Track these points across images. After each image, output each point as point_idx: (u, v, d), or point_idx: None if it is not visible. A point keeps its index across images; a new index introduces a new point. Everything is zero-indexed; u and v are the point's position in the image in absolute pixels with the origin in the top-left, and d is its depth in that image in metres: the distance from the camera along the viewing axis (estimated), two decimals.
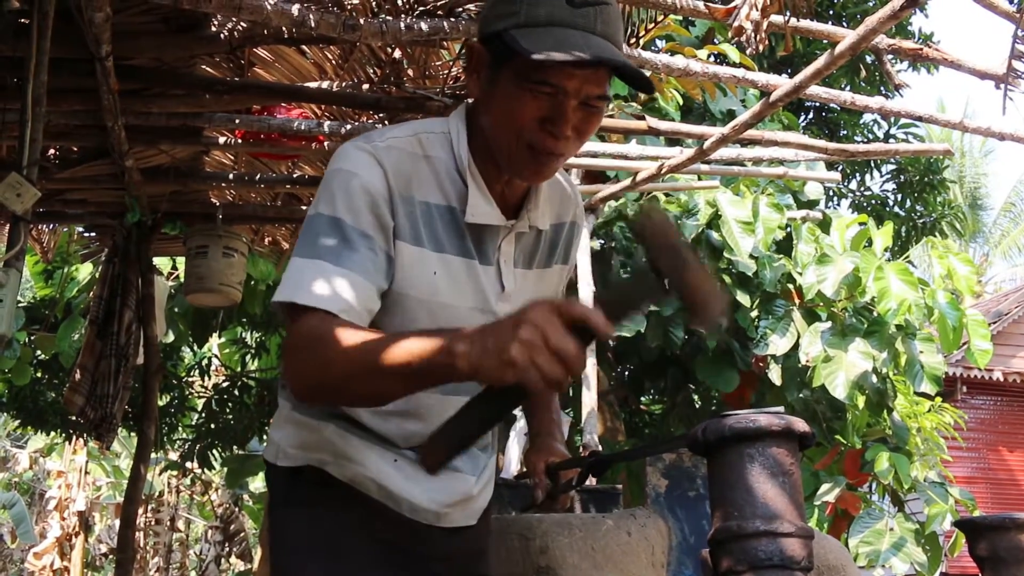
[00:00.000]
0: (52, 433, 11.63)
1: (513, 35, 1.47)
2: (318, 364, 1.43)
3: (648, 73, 5.28)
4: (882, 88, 10.69)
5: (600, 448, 5.83)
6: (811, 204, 7.82)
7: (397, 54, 4.13)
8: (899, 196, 12.00)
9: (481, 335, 1.25)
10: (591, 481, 5.46)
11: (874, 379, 6.51)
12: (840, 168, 10.11)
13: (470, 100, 1.69)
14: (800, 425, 1.56)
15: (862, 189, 12.26)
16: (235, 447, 10.69)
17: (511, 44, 1.46)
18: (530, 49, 1.42)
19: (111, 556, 14.75)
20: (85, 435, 10.17)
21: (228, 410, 10.44)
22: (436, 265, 1.58)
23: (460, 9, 3.59)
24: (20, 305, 8.64)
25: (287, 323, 1.51)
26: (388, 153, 1.57)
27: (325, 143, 4.51)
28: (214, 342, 10.92)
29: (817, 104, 10.77)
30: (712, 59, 6.02)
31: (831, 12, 10.65)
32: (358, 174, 1.54)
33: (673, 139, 5.58)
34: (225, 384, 10.77)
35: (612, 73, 1.51)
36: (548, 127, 1.50)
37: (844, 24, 10.33)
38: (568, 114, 1.49)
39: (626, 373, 9.70)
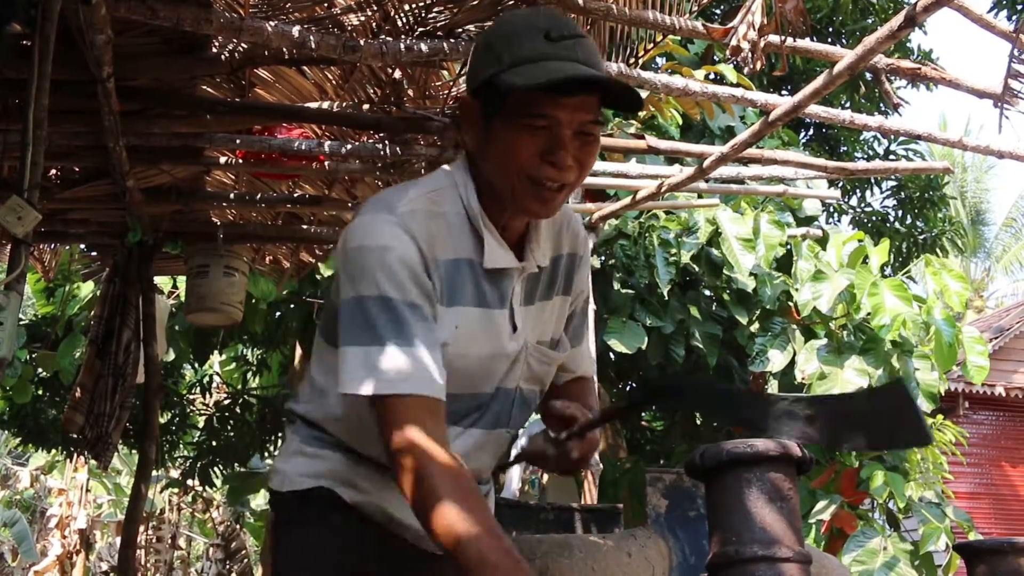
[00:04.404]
0: (53, 451, 11.63)
1: (501, 78, 1.51)
2: (411, 482, 1.45)
3: (647, 93, 5.32)
4: (882, 104, 10.71)
5: (601, 466, 5.83)
6: (809, 220, 7.83)
7: (397, 74, 4.14)
8: (900, 212, 12.01)
9: None
10: (593, 497, 5.46)
11: None
12: (840, 185, 10.13)
13: (464, 153, 1.71)
14: (798, 450, 1.57)
15: (863, 205, 12.28)
16: (236, 464, 10.69)
17: (501, 86, 1.51)
18: (520, 83, 1.47)
19: (112, 574, 14.71)
20: (85, 453, 10.16)
21: (229, 428, 10.45)
22: (456, 319, 1.59)
23: (460, 30, 3.60)
24: (21, 323, 8.65)
25: (376, 411, 1.51)
26: (413, 218, 1.57)
27: (325, 163, 4.52)
28: (215, 360, 10.93)
29: (817, 120, 10.81)
30: (711, 78, 6.04)
31: (830, 29, 10.69)
32: (392, 247, 1.52)
33: (673, 157, 5.59)
34: (226, 401, 10.78)
35: (601, 101, 1.56)
36: (549, 159, 1.53)
37: (843, 41, 10.36)
38: (566, 143, 1.53)
39: (627, 390, 9.70)
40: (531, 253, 1.69)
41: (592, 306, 5.96)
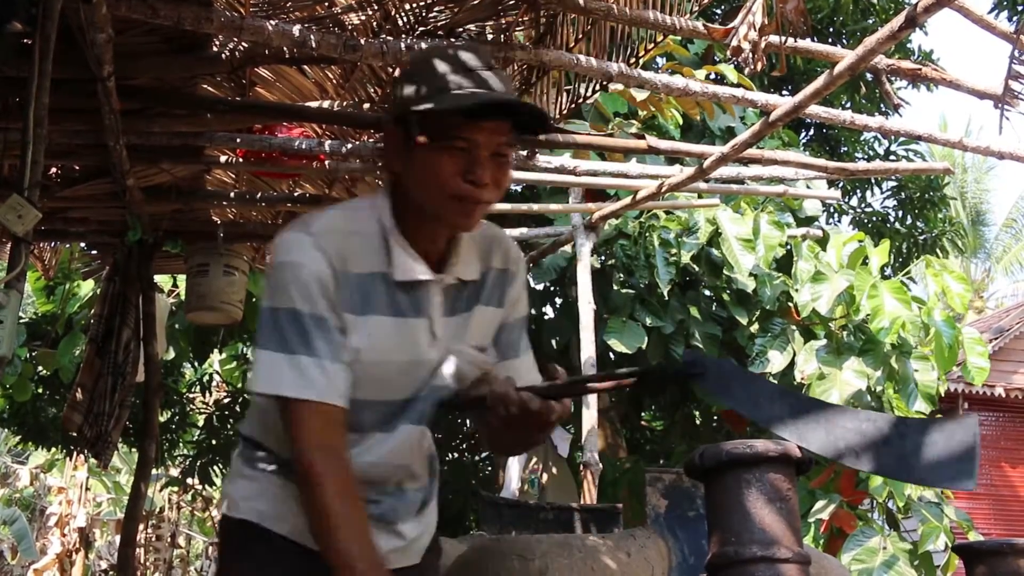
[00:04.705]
0: (53, 449, 11.61)
1: (424, 105, 1.68)
2: (305, 488, 1.67)
3: (647, 93, 5.32)
4: (882, 105, 10.70)
5: (601, 466, 5.83)
6: (809, 220, 7.83)
7: (398, 74, 4.14)
8: (900, 213, 11.99)
9: None
10: (592, 497, 5.46)
11: (868, 398, 6.51)
12: (841, 185, 10.12)
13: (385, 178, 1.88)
14: (797, 451, 1.57)
15: (863, 206, 12.26)
16: None
17: (424, 112, 1.67)
18: (443, 108, 1.65)
19: (111, 573, 14.71)
20: (85, 451, 10.15)
21: (229, 426, 10.44)
22: (369, 328, 1.73)
23: (460, 30, 3.61)
24: (21, 321, 8.65)
25: (282, 413, 1.70)
26: (326, 237, 1.72)
27: (326, 162, 4.52)
28: (215, 358, 10.93)
29: (818, 121, 10.79)
30: (711, 78, 6.04)
31: (831, 30, 10.68)
32: (304, 264, 1.69)
33: (673, 158, 5.59)
34: (226, 400, 10.78)
35: (514, 130, 1.72)
36: (469, 178, 1.68)
37: (844, 42, 10.35)
38: (484, 163, 1.68)
39: (626, 389, 9.67)
40: (452, 267, 1.80)
41: (592, 306, 5.97)
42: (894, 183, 11.84)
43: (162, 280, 7.87)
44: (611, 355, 7.62)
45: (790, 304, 7.18)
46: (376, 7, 3.54)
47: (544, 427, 1.72)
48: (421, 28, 3.58)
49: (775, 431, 1.46)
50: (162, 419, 9.79)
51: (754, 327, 7.31)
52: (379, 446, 1.79)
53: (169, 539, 15.51)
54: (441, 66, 1.72)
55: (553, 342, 8.34)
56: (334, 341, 1.69)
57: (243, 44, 3.69)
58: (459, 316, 1.83)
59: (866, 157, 11.42)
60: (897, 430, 1.42)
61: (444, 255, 1.81)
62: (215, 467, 10.62)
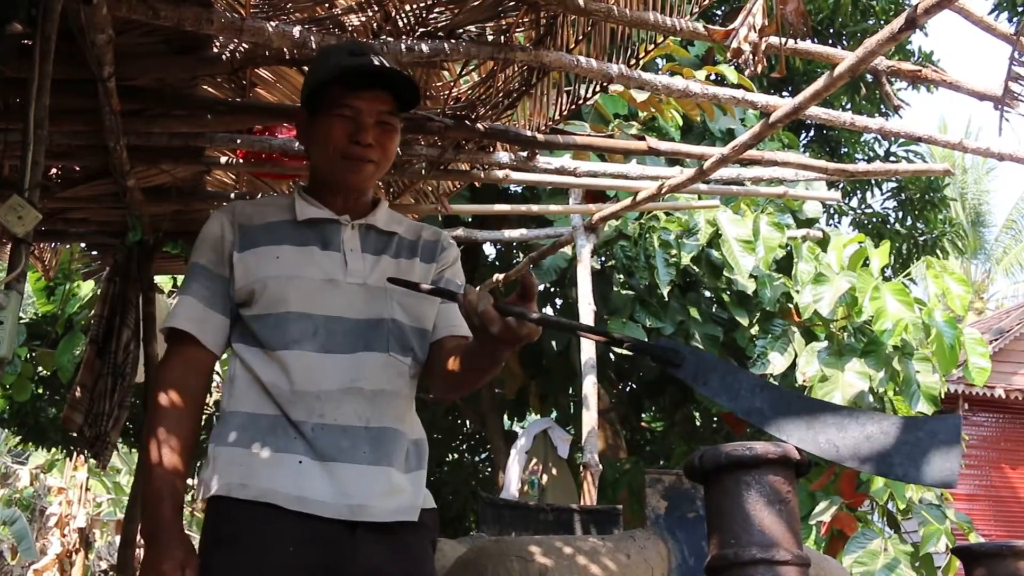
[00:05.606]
0: (53, 449, 11.61)
1: (315, 83, 2.04)
2: (155, 388, 2.00)
3: (647, 94, 5.32)
4: (882, 106, 10.71)
5: (600, 467, 5.83)
6: (810, 222, 7.83)
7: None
8: (900, 214, 12.00)
9: (151, 557, 1.83)
10: (592, 498, 5.47)
11: (871, 399, 6.51)
12: (841, 186, 10.12)
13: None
14: (796, 452, 1.57)
15: (863, 207, 12.27)
16: None
17: (315, 88, 2.03)
18: (323, 78, 2.00)
19: (111, 573, 14.70)
20: (85, 452, 10.15)
21: None
22: (277, 252, 2.02)
23: (461, 31, 3.60)
24: (21, 321, 8.65)
25: None
26: (235, 206, 2.11)
27: None
28: None
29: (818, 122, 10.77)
30: (711, 79, 6.04)
31: (831, 31, 10.68)
32: (207, 228, 2.08)
33: (673, 159, 5.59)
34: None
35: (396, 102, 2.03)
36: (355, 139, 2.00)
37: (844, 43, 10.36)
38: (368, 127, 2.01)
39: (627, 391, 9.70)
40: (367, 218, 2.09)
41: (592, 307, 5.98)
42: (894, 184, 11.85)
43: (162, 281, 7.87)
44: (611, 356, 7.62)
45: (790, 305, 7.19)
46: (376, 8, 3.53)
47: (501, 345, 1.71)
48: (421, 29, 3.57)
49: (754, 423, 1.47)
50: None
51: (754, 328, 7.31)
52: (320, 363, 1.93)
53: None
54: (331, 53, 2.09)
55: (553, 343, 8.35)
56: (210, 287, 2.02)
57: (243, 45, 3.68)
58: (387, 259, 2.08)
59: (866, 158, 11.43)
60: (880, 427, 1.44)
61: (365, 212, 2.11)
62: None
